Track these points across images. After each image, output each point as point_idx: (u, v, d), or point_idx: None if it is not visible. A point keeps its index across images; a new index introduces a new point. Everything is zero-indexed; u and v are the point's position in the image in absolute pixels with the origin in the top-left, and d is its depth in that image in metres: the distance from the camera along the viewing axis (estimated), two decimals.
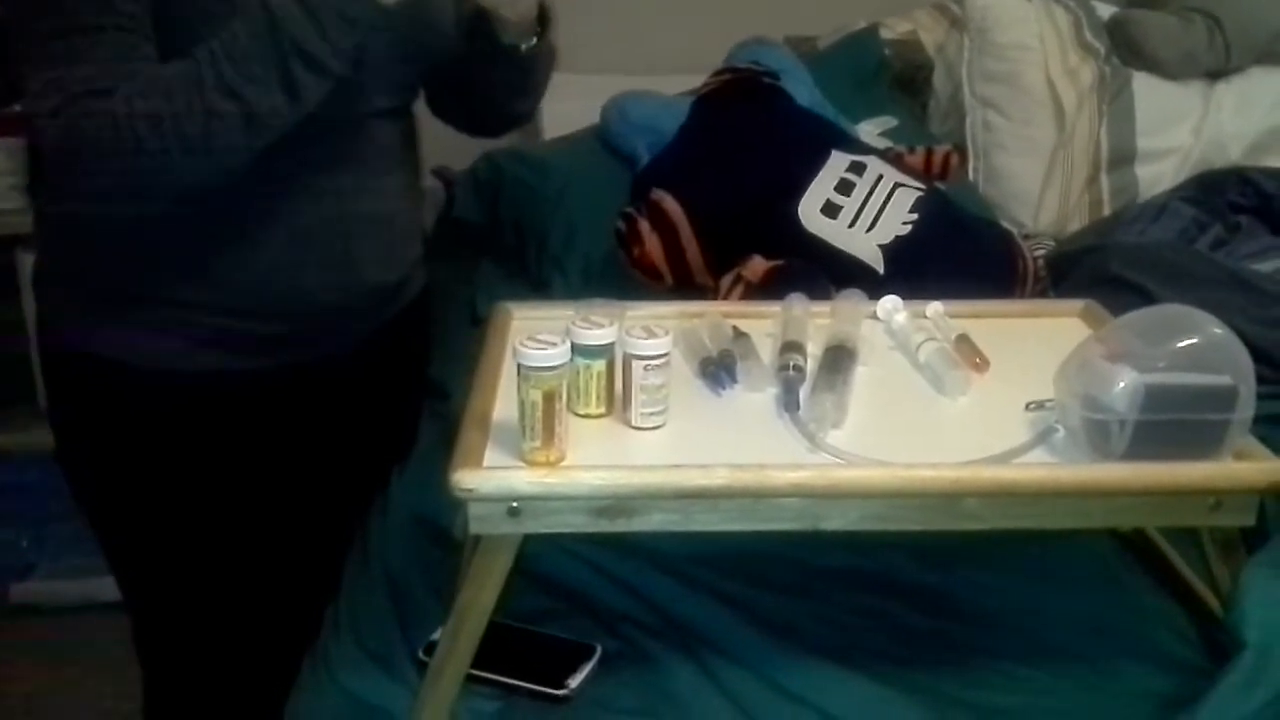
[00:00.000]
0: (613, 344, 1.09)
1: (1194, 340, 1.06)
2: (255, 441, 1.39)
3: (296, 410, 1.41)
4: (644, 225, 1.73)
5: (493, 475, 1.01)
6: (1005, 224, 2.07)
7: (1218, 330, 1.06)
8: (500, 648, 1.11)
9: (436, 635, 1.12)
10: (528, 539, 1.05)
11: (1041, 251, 1.96)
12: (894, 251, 1.66)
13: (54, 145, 1.17)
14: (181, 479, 1.38)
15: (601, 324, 1.09)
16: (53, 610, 2.35)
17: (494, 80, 1.42)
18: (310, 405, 1.41)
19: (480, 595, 1.04)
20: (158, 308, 1.30)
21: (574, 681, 1.12)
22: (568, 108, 2.29)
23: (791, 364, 1.16)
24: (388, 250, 1.40)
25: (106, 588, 1.58)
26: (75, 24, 1.14)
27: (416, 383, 1.60)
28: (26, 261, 2.13)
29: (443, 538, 1.28)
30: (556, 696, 1.11)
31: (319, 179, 1.29)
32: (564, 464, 1.03)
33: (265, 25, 1.13)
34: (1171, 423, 1.03)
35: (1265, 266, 1.84)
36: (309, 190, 1.29)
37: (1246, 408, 1.04)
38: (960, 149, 2.20)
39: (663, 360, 1.08)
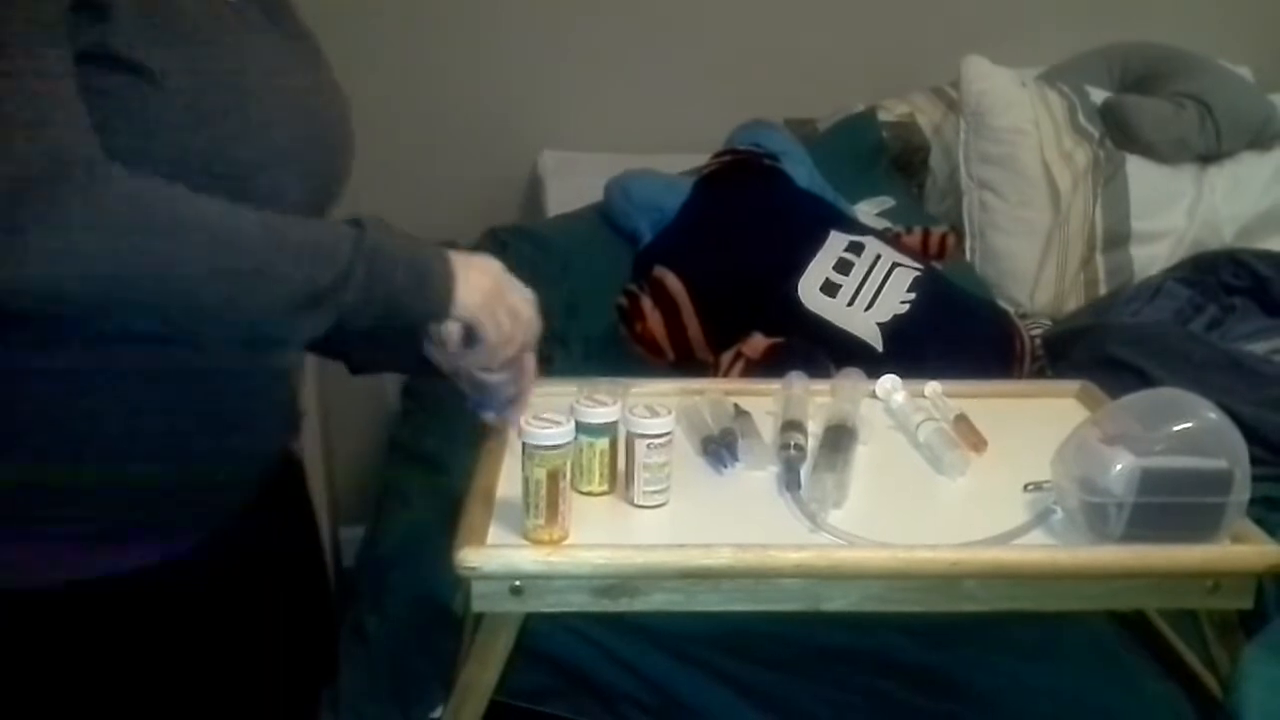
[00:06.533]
0: (616, 422, 1.11)
1: (1189, 424, 1.07)
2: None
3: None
4: (646, 302, 1.75)
5: (496, 554, 1.01)
6: (1002, 303, 2.09)
7: (1212, 415, 1.07)
8: None
9: (437, 713, 1.12)
10: (529, 617, 1.05)
11: (1038, 331, 1.99)
12: (892, 330, 1.68)
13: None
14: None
15: (605, 402, 1.11)
16: None
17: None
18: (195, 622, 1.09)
19: (482, 673, 1.05)
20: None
21: None
22: (571, 185, 2.33)
23: (792, 443, 1.17)
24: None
25: None
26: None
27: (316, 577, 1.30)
28: None
29: (442, 615, 1.28)
30: None
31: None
32: (567, 542, 1.03)
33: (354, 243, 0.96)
34: (1168, 505, 1.04)
35: (1259, 347, 1.86)
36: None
37: (1242, 491, 1.06)
38: (957, 229, 2.24)
39: (665, 439, 1.10)
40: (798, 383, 1.31)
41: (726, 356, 1.67)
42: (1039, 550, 1.06)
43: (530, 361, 1.13)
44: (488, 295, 1.04)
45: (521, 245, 2.13)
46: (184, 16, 0.96)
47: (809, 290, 1.71)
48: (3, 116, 0.85)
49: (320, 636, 1.29)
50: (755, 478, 1.18)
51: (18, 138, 0.85)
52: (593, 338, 1.89)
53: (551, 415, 1.03)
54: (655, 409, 1.10)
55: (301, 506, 1.28)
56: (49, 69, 0.88)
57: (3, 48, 0.86)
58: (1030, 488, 1.14)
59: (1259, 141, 2.32)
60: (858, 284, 1.72)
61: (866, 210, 2.17)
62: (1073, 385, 1.42)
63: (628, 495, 1.11)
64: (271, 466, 1.15)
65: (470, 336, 1.05)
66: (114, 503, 1.00)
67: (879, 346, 1.68)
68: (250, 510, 1.10)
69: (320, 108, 1.08)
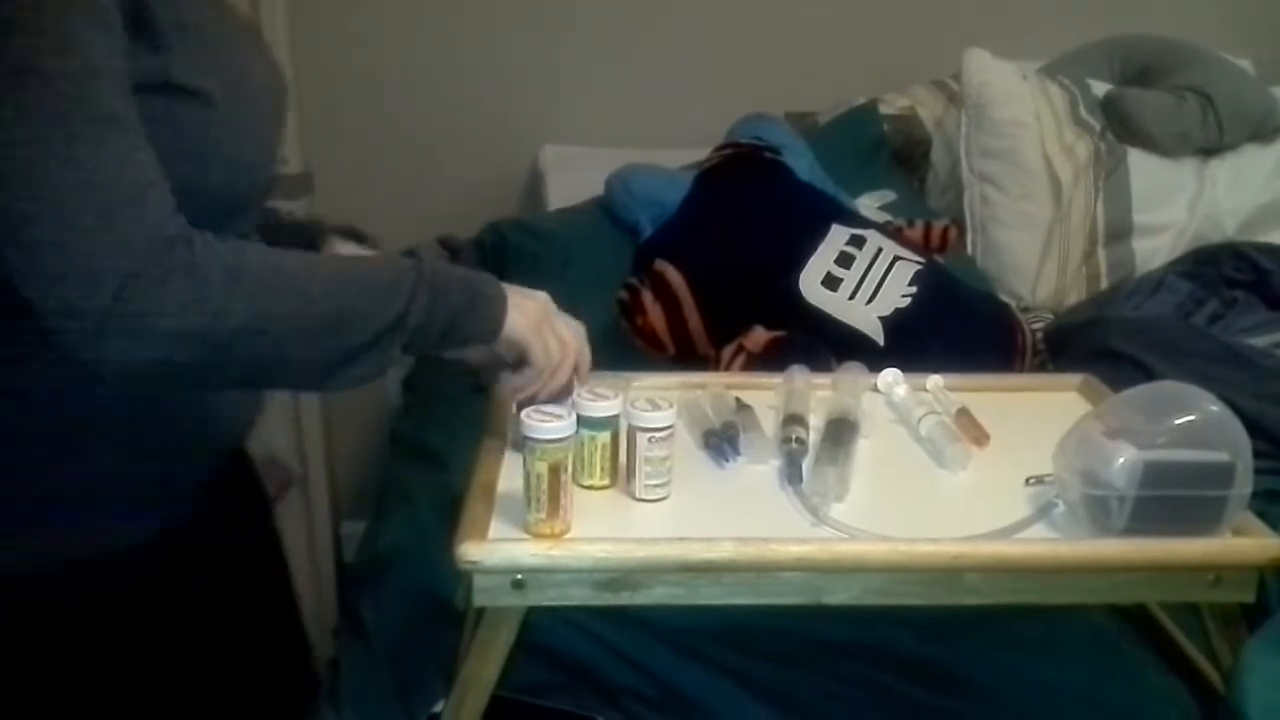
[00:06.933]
0: (618, 416, 1.11)
1: (1192, 417, 1.07)
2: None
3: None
4: (647, 296, 1.75)
5: (497, 548, 1.01)
6: (1003, 297, 2.09)
7: (1214, 407, 1.07)
8: None
9: (438, 708, 1.12)
10: (530, 611, 1.05)
11: (1040, 324, 1.99)
12: (893, 323, 1.68)
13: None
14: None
15: (607, 396, 1.10)
16: None
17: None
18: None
19: (483, 668, 1.04)
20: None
21: None
22: (572, 179, 2.33)
23: (794, 437, 1.17)
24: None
25: None
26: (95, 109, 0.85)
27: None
28: None
29: (443, 610, 1.28)
30: None
31: None
32: (568, 536, 1.03)
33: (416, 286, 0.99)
34: (1171, 498, 1.04)
35: (1260, 341, 1.86)
36: None
37: (1244, 484, 1.05)
38: (958, 223, 2.23)
39: (667, 432, 1.09)
40: (799, 376, 1.31)
41: (728, 350, 1.67)
42: (1041, 544, 1.06)
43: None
44: (536, 319, 1.09)
45: (522, 239, 2.13)
46: (200, 32, 0.97)
47: (810, 284, 1.71)
48: (105, 200, 0.85)
49: (286, 626, 1.29)
50: (757, 471, 1.17)
51: (122, 225, 0.86)
52: (593, 332, 1.87)
53: (553, 409, 1.03)
54: (657, 402, 1.10)
55: (254, 500, 1.29)
56: (133, 130, 0.88)
57: (93, 120, 0.85)
58: (1032, 481, 1.13)
59: (1260, 134, 2.32)
60: (859, 277, 1.72)
61: (868, 204, 2.17)
62: (1074, 379, 1.41)
63: (629, 489, 1.11)
64: (229, 459, 1.16)
65: (519, 362, 1.10)
66: (99, 495, 1.02)
67: (880, 340, 1.67)
68: (204, 506, 1.10)
69: (277, 92, 1.11)
